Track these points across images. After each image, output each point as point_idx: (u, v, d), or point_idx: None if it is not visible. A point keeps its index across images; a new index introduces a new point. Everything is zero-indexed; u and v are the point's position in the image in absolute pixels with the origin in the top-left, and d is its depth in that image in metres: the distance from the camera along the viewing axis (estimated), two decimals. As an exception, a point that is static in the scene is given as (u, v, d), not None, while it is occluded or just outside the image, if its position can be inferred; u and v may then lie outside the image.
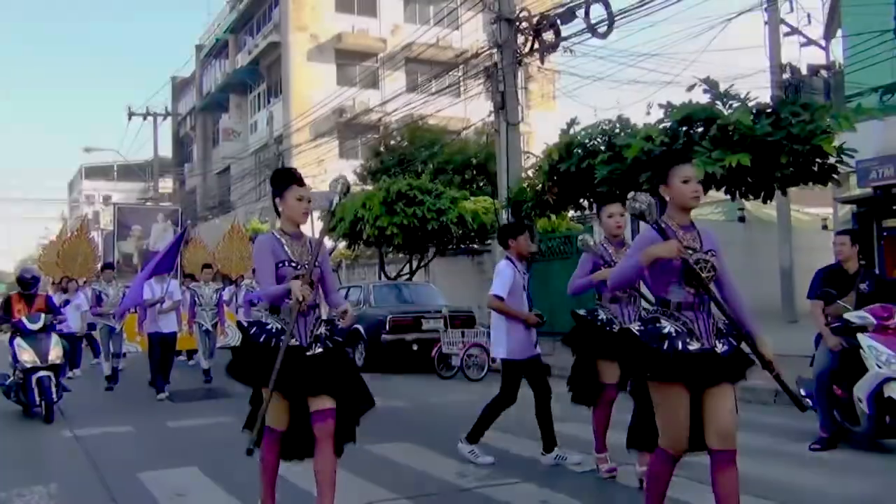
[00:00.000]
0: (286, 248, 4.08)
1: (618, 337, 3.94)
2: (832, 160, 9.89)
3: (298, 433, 4.08)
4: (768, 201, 11.40)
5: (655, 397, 3.62)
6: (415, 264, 19.46)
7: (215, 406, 9.19)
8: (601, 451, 5.37)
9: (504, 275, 5.61)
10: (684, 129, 10.31)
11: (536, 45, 15.06)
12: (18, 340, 8.62)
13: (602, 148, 11.46)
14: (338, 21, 33.07)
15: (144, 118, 34.25)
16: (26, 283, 9.00)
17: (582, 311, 5.31)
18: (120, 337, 11.68)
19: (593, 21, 14.23)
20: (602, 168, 10.96)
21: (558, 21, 14.79)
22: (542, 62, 15.50)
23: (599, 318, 5.18)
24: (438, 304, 13.62)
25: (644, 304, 5.08)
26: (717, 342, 3.63)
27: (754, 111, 10.08)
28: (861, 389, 5.67)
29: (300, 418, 4.02)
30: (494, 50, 15.59)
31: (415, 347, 12.57)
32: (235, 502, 4.91)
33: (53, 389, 8.42)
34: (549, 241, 17.13)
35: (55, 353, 8.63)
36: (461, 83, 24.84)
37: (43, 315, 8.80)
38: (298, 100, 32.03)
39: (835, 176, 10.25)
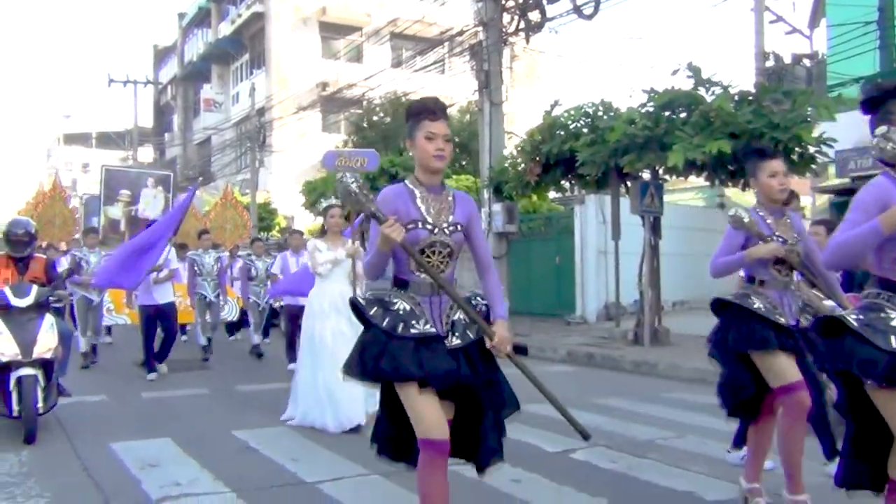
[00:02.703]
0: (418, 202, 3.13)
1: (819, 329, 3.02)
2: (812, 149, 9.97)
3: (403, 433, 3.20)
4: (748, 189, 11.49)
5: (888, 410, 2.72)
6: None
7: (190, 378, 9.15)
8: (754, 479, 4.16)
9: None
10: (666, 113, 10.36)
11: (522, 25, 15.01)
12: None
13: (584, 130, 11.49)
14: (323, -7, 32.74)
15: (125, 85, 33.80)
16: (17, 242, 6.51)
17: (731, 298, 4.15)
18: (99, 310, 10.55)
19: (579, 2, 14.21)
20: (584, 150, 10.99)
21: (544, 1, 14.75)
22: (528, 42, 15.47)
23: (755, 306, 4.00)
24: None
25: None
26: None
27: (736, 98, 10.15)
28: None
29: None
30: (480, 28, 15.52)
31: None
32: (207, 474, 4.91)
33: (39, 394, 5.95)
34: (529, 222, 17.19)
35: (46, 342, 6.06)
36: (446, 60, 24.73)
37: (35, 288, 6.25)
38: (281, 72, 31.75)
39: (814, 165, 10.34)
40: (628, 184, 11.62)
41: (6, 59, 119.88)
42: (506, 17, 15.19)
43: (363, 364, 3.07)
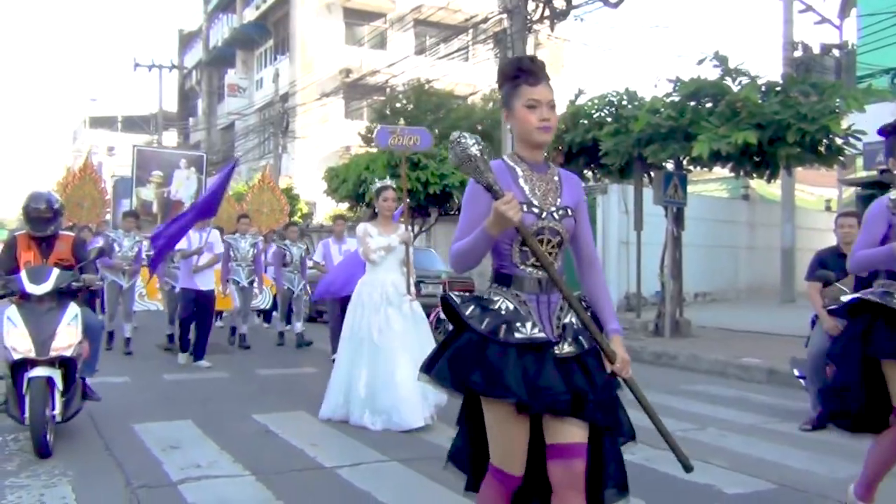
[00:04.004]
0: (521, 182, 2.61)
1: None
2: (839, 141, 9.84)
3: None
4: (773, 180, 11.38)
5: None
6: (417, 229, 19.49)
7: (212, 361, 9.19)
8: (867, 497, 3.77)
9: None
10: (692, 103, 10.26)
11: (547, 12, 14.92)
12: (11, 312, 5.18)
13: (608, 120, 11.43)
14: (347, -21, 32.70)
15: (150, 70, 34.02)
16: (38, 219, 5.48)
17: (872, 297, 3.58)
18: (130, 295, 10.23)
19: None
20: (608, 139, 10.92)
21: (570, -12, 14.65)
22: (552, 29, 15.37)
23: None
24: (438, 270, 13.63)
25: None
26: None
27: (763, 88, 10.03)
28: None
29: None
30: (504, 15, 15.44)
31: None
32: (227, 457, 4.95)
33: (57, 399, 5.06)
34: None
35: (66, 337, 5.10)
36: (470, 48, 24.65)
37: (55, 271, 5.27)
38: (305, 58, 31.78)
39: (841, 158, 10.22)
40: (651, 174, 11.53)
41: (34, 44, 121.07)
42: (530, 5, 15.10)
43: (451, 372, 2.55)
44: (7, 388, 5.16)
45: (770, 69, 14.75)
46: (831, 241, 6.52)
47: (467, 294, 2.67)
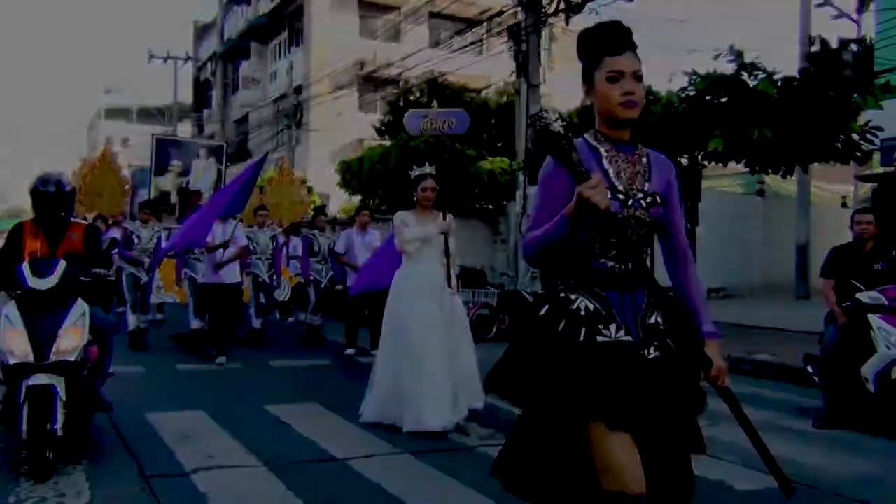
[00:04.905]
0: (605, 163, 2.33)
1: None
2: (856, 137, 9.78)
3: (539, 465, 2.33)
4: (788, 176, 11.31)
5: None
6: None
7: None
8: None
9: None
10: (708, 98, 10.21)
11: (562, 5, 14.86)
12: (10, 309, 4.54)
13: (623, 114, 11.40)
14: (362, -29, 32.64)
15: (165, 61, 34.13)
16: (47, 202, 4.82)
17: None
18: (148, 288, 9.98)
19: (622, -17, 14.02)
20: (622, 134, 10.90)
21: (586, -19, 14.57)
22: (568, 23, 15.30)
23: None
24: (450, 265, 13.61)
25: None
26: None
27: (779, 83, 9.98)
28: (868, 370, 5.67)
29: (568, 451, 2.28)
30: (518, 8, 15.40)
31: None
32: (240, 447, 4.98)
33: (59, 410, 4.33)
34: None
35: (70, 340, 4.47)
36: (484, 41, 24.58)
37: (63, 264, 4.62)
38: (319, 50, 31.78)
39: (857, 154, 10.15)
40: (666, 169, 11.50)
41: (49, 35, 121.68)
42: (545, -2, 15.05)
43: (521, 383, 2.27)
44: (5, 396, 4.51)
45: (786, 64, 14.67)
46: (847, 237, 6.49)
47: (541, 292, 2.41)
